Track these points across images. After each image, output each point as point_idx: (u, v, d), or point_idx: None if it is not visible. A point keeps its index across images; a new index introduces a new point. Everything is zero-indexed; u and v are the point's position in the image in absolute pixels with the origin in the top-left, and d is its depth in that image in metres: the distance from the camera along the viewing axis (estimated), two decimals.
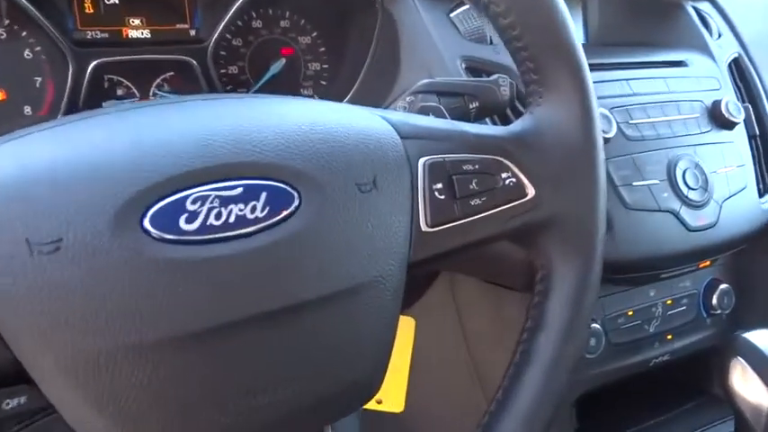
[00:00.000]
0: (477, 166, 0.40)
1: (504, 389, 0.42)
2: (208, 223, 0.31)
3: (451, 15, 0.66)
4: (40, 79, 0.63)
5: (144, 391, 0.30)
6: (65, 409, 0.29)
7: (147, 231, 0.30)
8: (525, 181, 0.41)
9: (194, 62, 0.67)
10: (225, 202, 0.32)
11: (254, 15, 0.72)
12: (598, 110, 0.43)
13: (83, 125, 0.33)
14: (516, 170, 0.41)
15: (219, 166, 0.32)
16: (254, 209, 0.32)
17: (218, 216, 0.31)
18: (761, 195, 0.72)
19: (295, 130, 0.35)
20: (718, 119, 0.71)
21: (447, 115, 0.47)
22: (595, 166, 0.42)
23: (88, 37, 0.63)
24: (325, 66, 0.78)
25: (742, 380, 0.66)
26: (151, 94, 0.68)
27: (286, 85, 0.76)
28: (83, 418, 0.30)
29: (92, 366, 0.29)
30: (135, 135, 0.32)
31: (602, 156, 0.43)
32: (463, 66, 0.63)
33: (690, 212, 0.64)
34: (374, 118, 0.39)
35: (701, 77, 0.75)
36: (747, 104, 0.75)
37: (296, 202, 0.34)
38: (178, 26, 0.68)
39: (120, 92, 0.66)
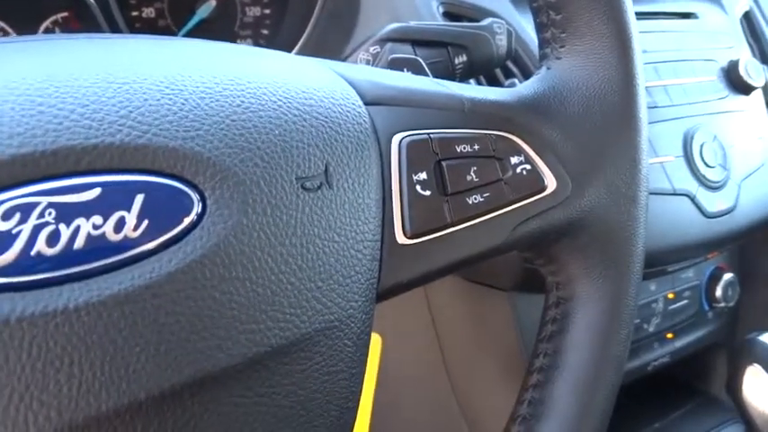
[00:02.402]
0: (476, 147, 0.28)
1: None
2: (33, 252, 0.18)
3: None
4: None
5: None
6: None
7: None
8: (543, 168, 0.29)
9: (93, 1, 0.51)
10: (67, 213, 0.18)
11: None
12: (642, 66, 0.30)
13: None
14: (531, 152, 0.29)
15: (60, 149, 0.19)
16: (120, 224, 0.19)
17: (52, 239, 0.18)
18: None
19: (198, 92, 0.22)
20: (735, 82, 0.60)
21: (428, 72, 0.34)
22: (638, 146, 0.30)
23: None
24: (266, 11, 0.63)
25: (757, 388, 0.57)
26: None
27: (218, 35, 0.61)
28: None
29: None
30: None
31: (645, 129, 0.31)
32: (440, 10, 0.49)
33: (707, 195, 0.54)
34: (326, 74, 0.26)
35: (714, 32, 0.64)
36: (764, 66, 0.64)
37: (196, 210, 0.20)
38: None
39: None
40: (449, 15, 0.50)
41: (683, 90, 0.56)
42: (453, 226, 0.27)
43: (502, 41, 0.39)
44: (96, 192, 0.19)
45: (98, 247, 0.19)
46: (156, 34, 0.58)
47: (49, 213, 0.18)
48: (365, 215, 0.25)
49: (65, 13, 0.53)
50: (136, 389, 0.19)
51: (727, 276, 0.67)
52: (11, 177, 0.18)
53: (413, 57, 0.35)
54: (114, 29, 0.53)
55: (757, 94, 0.62)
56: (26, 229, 0.18)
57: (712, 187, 0.54)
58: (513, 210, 0.28)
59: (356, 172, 0.24)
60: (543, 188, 0.29)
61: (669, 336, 0.65)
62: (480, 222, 0.27)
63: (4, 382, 0.17)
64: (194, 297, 0.20)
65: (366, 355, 0.26)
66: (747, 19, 0.69)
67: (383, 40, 0.38)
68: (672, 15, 0.64)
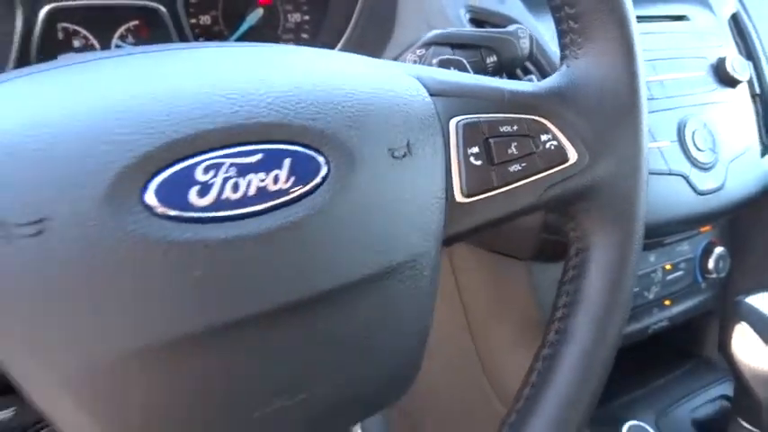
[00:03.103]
0: (515, 128, 0.35)
1: (540, 372, 0.39)
2: (223, 197, 0.26)
3: None
4: None
5: (151, 401, 0.25)
6: (57, 421, 0.24)
7: (149, 207, 0.24)
8: (566, 144, 0.37)
9: (163, 9, 0.59)
10: (243, 170, 0.26)
11: None
12: (643, 64, 0.38)
13: (59, 76, 0.26)
14: (557, 132, 0.37)
15: (235, 127, 0.26)
16: (276, 179, 0.27)
17: (234, 188, 0.26)
18: (762, 155, 0.69)
19: (320, 86, 0.29)
20: (723, 77, 0.68)
21: (470, 69, 0.42)
22: (640, 127, 0.38)
23: None
24: (306, 17, 0.71)
25: (744, 345, 0.65)
26: (113, 45, 0.60)
27: (264, 39, 0.69)
28: (85, 427, 0.24)
29: (88, 375, 0.24)
30: (128, 89, 0.26)
31: (646, 114, 0.39)
32: (467, 17, 0.57)
33: (699, 175, 0.62)
34: (399, 72, 0.34)
35: (704, 33, 0.72)
36: (749, 62, 0.72)
37: (323, 171, 0.28)
38: None
39: (77, 43, 0.58)
40: (474, 21, 0.57)
41: (677, 84, 0.64)
42: (498, 188, 0.35)
43: (525, 44, 0.47)
44: (259, 156, 0.27)
45: (263, 194, 0.26)
46: (211, 39, 0.66)
47: (231, 170, 0.26)
48: (434, 178, 0.32)
49: (136, 22, 0.61)
50: (288, 294, 0.27)
51: (719, 250, 0.75)
52: (207, 144, 0.26)
53: (457, 58, 0.43)
54: (181, 35, 0.61)
55: (743, 87, 0.70)
56: (218, 180, 0.26)
57: (703, 168, 0.62)
58: (543, 176, 0.36)
59: (428, 146, 0.32)
60: (566, 160, 0.37)
61: (667, 303, 0.73)
62: (518, 186, 0.35)
63: (199, 283, 0.25)
64: (326, 230, 0.28)
65: (437, 287, 0.33)
66: (734, 20, 0.77)
67: (427, 44, 0.46)
68: (666, 18, 0.72)
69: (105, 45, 0.60)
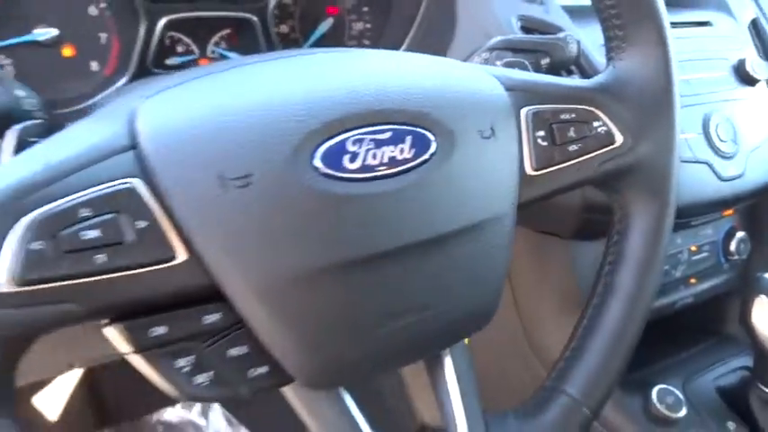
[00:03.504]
0: (573, 116, 0.44)
1: (590, 317, 0.47)
2: (366, 162, 0.35)
3: None
4: (105, 35, 0.65)
5: (316, 309, 0.34)
6: (253, 323, 0.33)
7: (316, 168, 0.33)
8: (614, 129, 0.45)
9: (255, 19, 0.68)
10: (378, 144, 0.35)
11: None
12: (677, 65, 0.47)
13: (254, 70, 0.36)
14: (606, 119, 0.45)
15: (373, 112, 0.35)
16: (402, 151, 0.36)
17: (374, 156, 0.35)
18: None
19: (428, 82, 0.38)
20: (743, 76, 0.76)
21: (531, 70, 0.51)
22: (673, 116, 0.47)
23: None
24: (368, 25, 0.80)
25: (764, 316, 0.73)
26: (208, 51, 0.70)
27: (332, 45, 0.78)
28: (272, 330, 0.33)
29: (274, 286, 0.33)
30: (303, 82, 0.35)
31: (679, 107, 0.47)
32: (519, 24, 0.66)
33: (722, 163, 0.70)
34: (481, 72, 0.43)
35: (726, 37, 0.80)
36: (767, 63, 0.80)
37: (433, 147, 0.37)
38: None
39: (179, 48, 0.68)
40: (524, 29, 0.66)
41: (702, 83, 0.72)
42: (560, 164, 0.43)
43: (573, 49, 0.55)
44: (389, 134, 0.36)
45: (393, 162, 0.35)
46: (288, 46, 0.76)
47: (371, 143, 0.35)
48: (511, 155, 0.41)
49: (228, 30, 0.70)
50: (409, 237, 0.36)
51: (740, 234, 0.83)
52: (354, 124, 0.35)
53: (520, 60, 0.52)
54: (268, 41, 0.70)
55: (761, 86, 0.78)
56: (362, 150, 0.35)
57: (726, 157, 0.70)
58: (595, 155, 0.44)
59: (506, 129, 0.41)
60: (613, 142, 0.45)
61: (692, 281, 0.80)
62: (576, 162, 0.44)
63: (350, 224, 0.34)
64: (434, 190, 0.36)
65: (513, 242, 0.42)
66: (754, 25, 0.85)
67: (491, 49, 0.55)
68: (692, 24, 0.80)
69: (202, 50, 0.69)
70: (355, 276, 0.34)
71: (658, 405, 0.72)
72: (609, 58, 0.48)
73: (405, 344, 0.38)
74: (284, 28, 0.75)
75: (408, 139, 0.36)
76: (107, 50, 0.65)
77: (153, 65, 0.65)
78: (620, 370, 0.47)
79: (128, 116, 0.32)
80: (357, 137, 0.35)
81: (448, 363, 0.43)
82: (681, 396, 0.74)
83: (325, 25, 0.77)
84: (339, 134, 0.34)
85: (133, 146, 0.31)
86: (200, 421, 1.30)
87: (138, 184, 0.30)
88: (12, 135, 0.34)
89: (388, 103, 0.36)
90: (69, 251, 0.28)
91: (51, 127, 0.35)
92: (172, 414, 1.28)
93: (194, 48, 0.69)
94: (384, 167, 0.35)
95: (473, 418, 0.42)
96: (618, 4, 0.45)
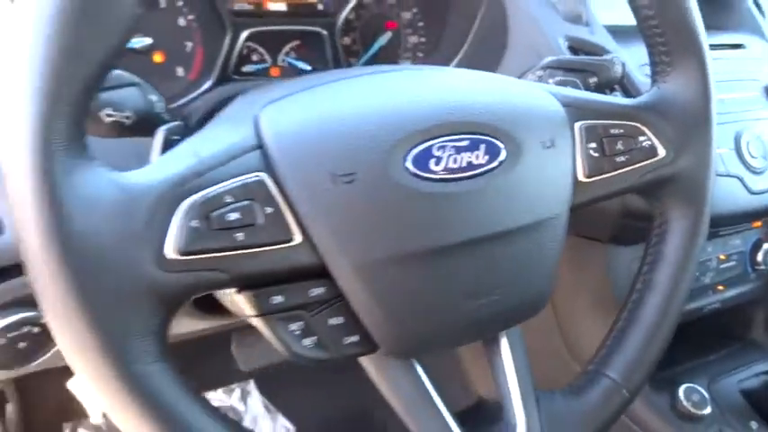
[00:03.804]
0: (621, 131, 0.50)
1: (630, 310, 0.53)
2: (449, 166, 0.41)
3: None
4: (190, 44, 0.72)
5: (403, 288, 0.40)
6: (352, 296, 0.39)
7: (407, 169, 0.40)
8: (657, 143, 0.51)
9: (324, 32, 0.75)
10: (458, 150, 0.41)
11: None
12: (714, 86, 0.52)
13: (357, 83, 0.42)
14: (650, 134, 0.51)
15: (454, 123, 0.41)
16: (477, 157, 0.42)
17: (455, 161, 0.41)
18: None
19: (500, 98, 0.44)
20: None
21: (582, 88, 0.57)
22: (711, 133, 0.52)
23: (236, 8, 0.72)
24: (422, 39, 0.86)
25: None
26: (279, 60, 0.77)
27: (388, 57, 0.84)
28: (366, 305, 0.39)
29: (370, 266, 0.39)
30: (398, 95, 0.41)
31: (716, 125, 0.53)
32: (566, 44, 0.72)
33: (752, 178, 0.75)
34: (540, 90, 0.49)
35: (758, 59, 0.85)
36: None
37: (503, 154, 0.43)
38: (309, 0, 0.76)
39: (254, 58, 0.75)
40: (571, 48, 0.72)
41: (735, 102, 0.78)
42: (609, 173, 0.49)
43: (618, 70, 0.61)
44: (467, 142, 0.42)
45: (471, 166, 0.41)
46: (350, 56, 0.82)
47: (452, 150, 0.41)
48: (566, 163, 0.47)
49: (298, 42, 0.77)
50: (481, 230, 0.42)
51: (767, 246, 0.87)
52: (439, 132, 0.41)
53: (572, 79, 0.57)
54: (335, 53, 0.77)
55: None
56: (445, 155, 0.41)
57: (756, 172, 0.75)
58: (640, 166, 0.50)
59: (563, 141, 0.47)
60: (656, 155, 0.51)
61: (720, 288, 0.85)
62: (623, 172, 0.49)
63: (435, 218, 0.40)
64: (504, 191, 0.42)
65: (564, 242, 0.48)
66: None
67: (544, 68, 0.61)
68: (726, 47, 0.85)
69: (274, 59, 0.76)
70: (437, 261, 0.41)
71: (685, 402, 0.77)
72: (654, 80, 0.53)
73: (474, 323, 0.44)
74: (347, 40, 0.81)
75: (482, 146, 0.42)
76: (192, 57, 0.72)
77: (233, 72, 0.72)
78: (656, 359, 0.52)
79: (253, 120, 0.39)
80: (441, 143, 0.41)
81: (504, 343, 0.49)
82: (706, 395, 0.79)
83: (384, 38, 0.83)
84: (427, 141, 0.40)
85: (260, 146, 0.38)
86: (240, 406, 1.37)
87: (265, 177, 0.37)
88: (161, 134, 0.41)
89: (467, 115, 0.42)
90: (218, 229, 0.35)
91: (187, 126, 0.42)
92: (213, 398, 1.35)
93: (267, 57, 0.75)
94: (462, 171, 0.41)
95: (526, 393, 0.48)
96: (665, 32, 0.51)
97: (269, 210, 0.37)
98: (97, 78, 0.32)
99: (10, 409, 0.99)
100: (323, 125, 0.39)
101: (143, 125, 0.43)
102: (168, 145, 0.40)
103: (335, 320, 0.40)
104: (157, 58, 0.71)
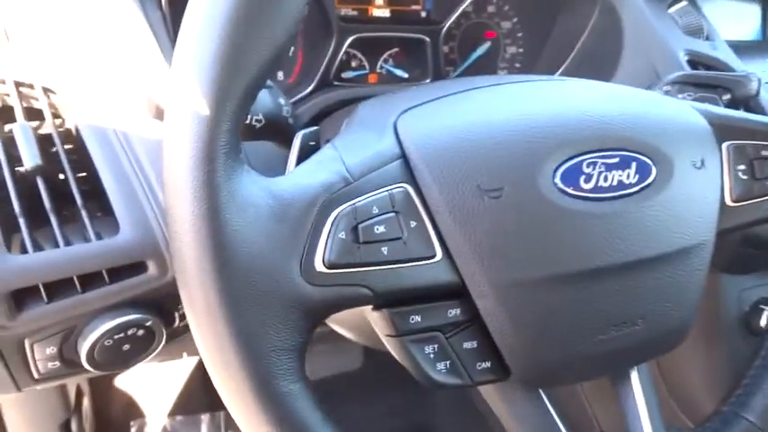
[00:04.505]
0: None
1: (752, 375, 0.48)
2: (599, 184, 0.38)
3: (670, 11, 0.71)
4: (292, 49, 0.71)
5: (544, 312, 0.37)
6: (490, 318, 0.37)
7: (556, 185, 0.37)
8: None
9: (428, 40, 0.73)
10: (609, 168, 0.38)
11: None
12: None
13: (498, 92, 0.40)
14: None
15: (604, 138, 0.38)
16: (628, 176, 0.39)
17: (605, 179, 0.38)
18: None
19: (649, 113, 0.41)
20: None
21: (722, 105, 0.53)
22: None
23: (342, 14, 0.70)
24: (521, 50, 0.83)
25: None
26: (378, 67, 0.75)
27: (486, 66, 0.82)
28: (503, 328, 0.37)
29: (512, 288, 0.36)
30: (546, 107, 0.38)
31: None
32: (686, 58, 0.67)
33: None
34: (686, 106, 0.45)
35: None
36: None
37: (654, 174, 0.40)
38: (412, 7, 0.74)
39: (353, 63, 0.73)
40: (691, 63, 0.68)
41: None
42: (758, 198, 0.45)
43: (754, 87, 0.57)
44: (617, 159, 0.39)
45: (621, 185, 0.38)
46: (447, 65, 0.79)
47: (602, 167, 0.38)
48: (715, 186, 0.43)
49: (397, 49, 0.75)
50: (628, 255, 0.38)
51: None
52: (589, 147, 0.38)
53: (711, 95, 0.54)
54: (436, 61, 0.75)
55: None
56: (595, 173, 0.38)
57: None
58: None
59: (713, 161, 0.43)
60: None
61: None
62: None
63: (579, 238, 0.37)
64: (652, 213, 0.39)
65: (708, 270, 0.44)
66: None
67: (672, 83, 0.57)
68: None
69: (372, 66, 0.74)
70: (583, 285, 0.38)
71: None
72: None
73: (610, 354, 0.40)
74: (446, 49, 0.79)
75: (633, 164, 0.39)
76: (293, 62, 0.71)
77: (333, 77, 0.71)
78: None
79: (392, 127, 0.37)
80: (591, 159, 0.38)
81: (634, 377, 0.45)
82: None
83: (483, 48, 0.81)
84: (576, 156, 0.37)
85: (402, 155, 0.35)
86: None
87: (409, 188, 0.35)
88: (298, 139, 0.39)
89: (617, 130, 0.39)
90: (364, 242, 0.32)
91: (319, 132, 0.40)
92: None
93: (366, 63, 0.74)
94: (613, 190, 0.38)
95: (657, 430, 0.44)
96: None
97: (413, 223, 0.34)
98: (262, 80, 0.30)
99: (86, 404, 1.00)
100: (469, 135, 0.36)
101: (271, 129, 0.42)
102: (305, 151, 0.38)
103: (470, 344, 0.37)
104: None
